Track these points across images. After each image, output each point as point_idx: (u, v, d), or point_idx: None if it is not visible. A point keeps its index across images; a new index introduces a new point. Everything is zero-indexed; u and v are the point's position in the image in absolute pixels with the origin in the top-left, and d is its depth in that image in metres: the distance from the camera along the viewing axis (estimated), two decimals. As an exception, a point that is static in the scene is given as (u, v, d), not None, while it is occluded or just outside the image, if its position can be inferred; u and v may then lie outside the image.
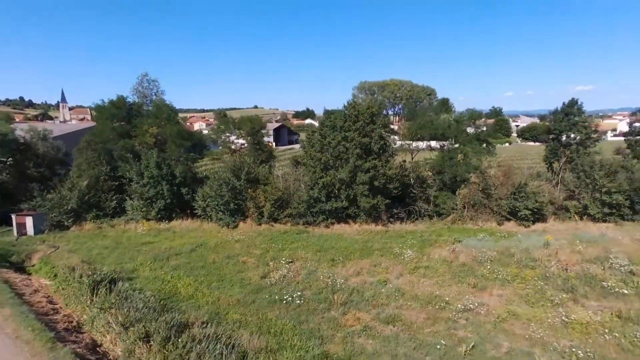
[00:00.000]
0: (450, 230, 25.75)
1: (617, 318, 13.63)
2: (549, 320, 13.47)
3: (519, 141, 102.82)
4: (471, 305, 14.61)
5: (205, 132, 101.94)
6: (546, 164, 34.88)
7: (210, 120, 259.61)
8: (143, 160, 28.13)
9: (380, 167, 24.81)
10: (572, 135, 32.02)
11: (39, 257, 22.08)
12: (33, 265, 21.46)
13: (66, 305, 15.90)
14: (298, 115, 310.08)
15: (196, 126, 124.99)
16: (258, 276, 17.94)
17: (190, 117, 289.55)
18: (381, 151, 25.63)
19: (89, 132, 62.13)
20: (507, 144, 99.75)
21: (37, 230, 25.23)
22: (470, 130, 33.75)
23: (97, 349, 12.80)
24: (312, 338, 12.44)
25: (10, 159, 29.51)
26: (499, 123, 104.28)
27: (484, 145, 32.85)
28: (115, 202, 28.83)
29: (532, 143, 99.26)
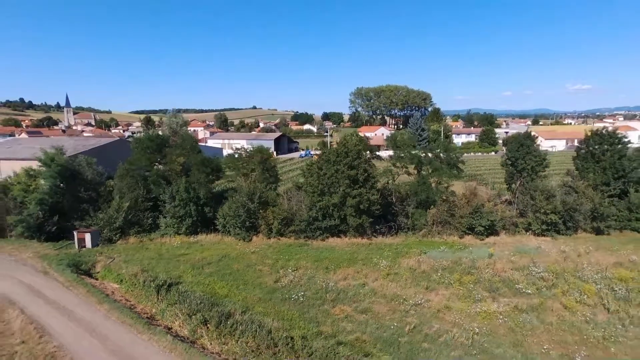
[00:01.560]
0: (420, 243, 32.41)
1: (515, 309, 20.40)
2: (468, 311, 20.23)
3: (504, 149, 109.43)
4: (420, 301, 21.35)
5: (209, 141, 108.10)
6: (507, 185, 41.62)
7: (211, 123, 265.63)
8: (174, 185, 34.74)
9: (364, 194, 31.46)
10: (526, 162, 38.65)
11: (101, 265, 28.67)
12: (98, 272, 28.07)
13: (138, 302, 22.54)
14: (297, 118, 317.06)
15: (200, 134, 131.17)
16: (272, 281, 24.64)
17: (192, 121, 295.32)
18: (366, 180, 32.25)
19: (109, 146, 69.00)
20: (493, 153, 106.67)
21: (94, 244, 31.80)
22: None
23: (170, 330, 19.49)
24: (311, 322, 19.16)
25: (62, 184, 35.90)
26: (486, 133, 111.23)
27: (454, 170, 39.44)
28: (150, 219, 35.41)
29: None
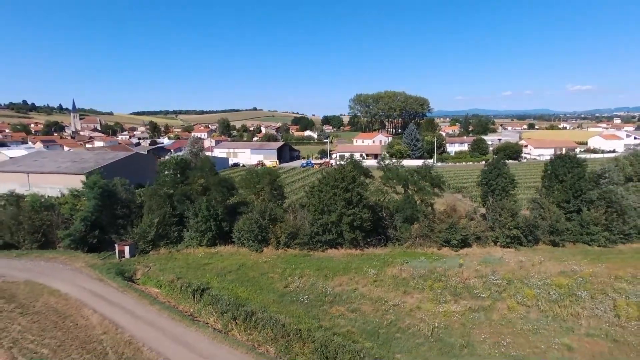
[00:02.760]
0: (404, 253, 38.56)
1: (469, 309, 26.63)
2: (434, 310, 26.47)
3: (494, 158, 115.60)
4: (398, 303, 27.59)
5: (215, 150, 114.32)
6: (482, 202, 47.86)
7: (214, 127, 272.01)
8: (196, 204, 40.98)
9: (357, 213, 37.67)
10: (497, 183, 44.93)
11: (140, 273, 34.91)
12: (139, 279, 34.29)
13: (178, 303, 28.77)
14: (297, 122, 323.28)
15: (207, 143, 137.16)
16: (282, 286, 30.87)
17: (195, 125, 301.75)
18: (358, 202, 38.44)
19: (125, 160, 75.52)
20: (483, 162, 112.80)
21: (131, 254, 38.03)
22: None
23: (208, 325, 25.70)
24: (314, 319, 25.40)
25: (101, 203, 42.13)
26: (477, 143, 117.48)
27: (436, 189, 45.68)
28: (176, 232, 41.61)
29: (505, 161, 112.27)
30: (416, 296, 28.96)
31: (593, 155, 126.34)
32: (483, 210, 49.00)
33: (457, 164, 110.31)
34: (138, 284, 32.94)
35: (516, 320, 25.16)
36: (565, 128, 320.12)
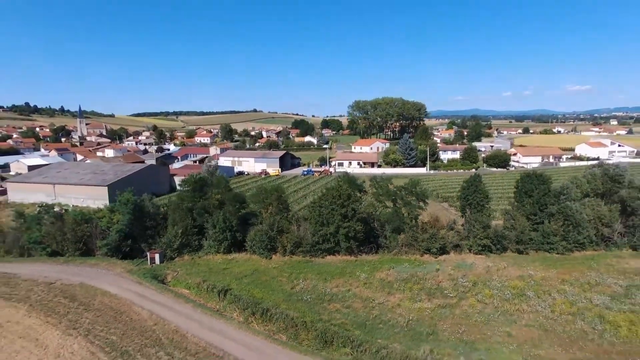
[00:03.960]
0: (392, 260, 45.48)
1: (438, 306, 33.58)
2: (410, 307, 33.41)
3: (484, 166, 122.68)
4: (382, 302, 34.53)
5: (220, 158, 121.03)
6: (461, 213, 54.83)
7: (215, 131, 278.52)
8: (214, 216, 47.91)
9: (352, 225, 44.63)
10: (473, 198, 51.87)
11: (170, 277, 41.79)
12: (169, 281, 41.19)
13: (206, 302, 35.67)
14: (297, 125, 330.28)
15: (212, 151, 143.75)
16: (289, 288, 37.79)
17: (197, 129, 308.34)
18: (352, 216, 45.39)
19: (141, 172, 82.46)
20: (473, 170, 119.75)
21: (161, 261, 44.93)
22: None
23: (232, 318, 32.61)
24: (315, 313, 32.33)
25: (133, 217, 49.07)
26: (468, 151, 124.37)
27: (421, 203, 52.59)
28: (196, 241, 48.53)
29: (494, 169, 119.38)
30: (398, 296, 35.90)
31: (578, 163, 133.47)
32: (461, 222, 56.10)
33: (449, 171, 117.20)
34: (170, 286, 39.82)
35: (473, 314, 32.12)
36: (560, 132, 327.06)
